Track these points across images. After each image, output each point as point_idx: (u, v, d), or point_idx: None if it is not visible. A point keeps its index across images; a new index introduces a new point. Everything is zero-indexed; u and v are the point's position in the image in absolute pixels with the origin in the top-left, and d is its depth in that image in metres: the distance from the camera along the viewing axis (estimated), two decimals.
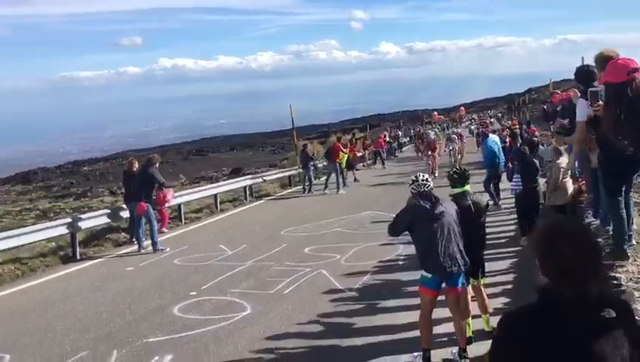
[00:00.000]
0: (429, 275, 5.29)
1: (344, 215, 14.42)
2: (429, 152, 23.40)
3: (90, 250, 12.18)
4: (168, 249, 11.53)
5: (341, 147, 21.00)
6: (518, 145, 15.76)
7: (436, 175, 20.15)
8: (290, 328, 6.69)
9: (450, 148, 24.81)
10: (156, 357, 6.04)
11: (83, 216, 12.51)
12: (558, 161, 9.32)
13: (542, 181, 10.19)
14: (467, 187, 5.95)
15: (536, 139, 20.57)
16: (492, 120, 54.20)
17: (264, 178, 21.61)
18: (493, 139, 15.44)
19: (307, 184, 20.32)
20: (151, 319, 7.38)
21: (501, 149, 15.34)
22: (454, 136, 26.85)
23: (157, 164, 12.50)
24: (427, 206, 5.30)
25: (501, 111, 74.53)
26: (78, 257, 11.52)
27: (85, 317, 7.65)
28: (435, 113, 60.53)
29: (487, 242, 6.38)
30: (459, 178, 5.93)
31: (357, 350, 5.88)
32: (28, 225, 13.08)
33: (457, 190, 5.91)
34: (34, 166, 58.39)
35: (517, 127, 26.49)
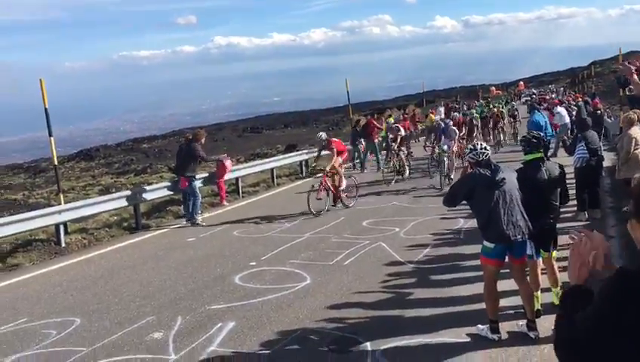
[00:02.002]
0: (492, 245, 5.10)
1: (400, 188, 14.24)
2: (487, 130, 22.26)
3: (152, 221, 12.49)
4: (205, 224, 11.66)
5: (375, 123, 19.99)
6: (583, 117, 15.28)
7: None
8: (351, 298, 6.65)
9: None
10: (219, 324, 6.12)
11: (146, 188, 12.86)
12: (629, 132, 8.83)
13: (608, 155, 9.74)
14: (541, 154, 5.70)
15: (599, 111, 19.80)
16: (553, 95, 52.25)
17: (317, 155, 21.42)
18: (541, 113, 15.81)
19: (357, 161, 19.42)
20: (213, 287, 7.49)
21: (548, 123, 15.31)
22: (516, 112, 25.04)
23: (202, 140, 12.57)
24: (487, 173, 5.11)
25: (563, 85, 71.81)
26: (141, 228, 11.83)
27: (150, 285, 7.85)
28: (493, 88, 58.92)
29: None
30: (536, 143, 5.67)
31: (419, 321, 5.78)
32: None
33: (531, 156, 5.66)
34: (96, 144, 60.42)
35: (580, 100, 25.56)
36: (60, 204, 11.73)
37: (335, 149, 12.58)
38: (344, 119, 42.84)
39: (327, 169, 12.39)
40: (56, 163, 12.30)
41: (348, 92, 24.06)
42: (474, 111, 24.22)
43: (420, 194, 13.34)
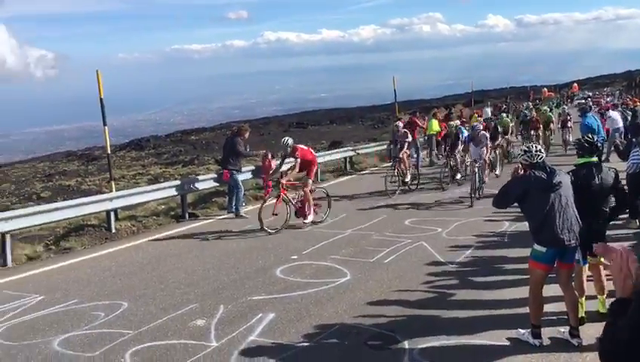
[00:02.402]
0: (543, 249, 5.03)
1: (445, 189, 14.11)
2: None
3: (198, 211, 12.77)
4: (248, 216, 11.78)
5: (418, 121, 19.15)
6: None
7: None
8: (390, 296, 6.67)
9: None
10: (260, 315, 6.24)
11: (193, 179, 13.18)
12: None
13: None
14: (595, 158, 5.59)
15: None
16: (608, 98, 50.49)
17: (357, 151, 21.27)
18: (593, 116, 15.18)
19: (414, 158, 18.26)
20: (255, 278, 7.63)
21: (600, 127, 14.91)
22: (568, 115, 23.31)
23: (246, 135, 12.68)
24: (543, 176, 5.03)
25: (619, 88, 69.40)
26: (187, 218, 12.12)
27: (194, 273, 8.06)
28: (545, 89, 57.42)
29: None
30: (589, 147, 5.57)
31: (459, 322, 5.76)
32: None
33: (583, 160, 5.57)
34: (146, 134, 61.95)
35: (638, 104, 24.64)
36: (111, 191, 12.13)
37: (299, 159, 10.84)
38: (390, 117, 42.59)
39: (284, 181, 10.81)
40: (109, 152, 12.70)
41: (395, 90, 23.91)
42: (503, 115, 22.72)
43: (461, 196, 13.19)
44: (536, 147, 5.29)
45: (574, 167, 5.68)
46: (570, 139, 19.96)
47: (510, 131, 20.47)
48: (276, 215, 10.37)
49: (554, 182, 4.98)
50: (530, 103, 33.90)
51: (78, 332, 6.08)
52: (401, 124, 15.53)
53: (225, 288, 7.29)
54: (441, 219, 10.74)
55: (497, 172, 15.95)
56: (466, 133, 15.45)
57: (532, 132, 20.74)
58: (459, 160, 15.18)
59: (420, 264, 7.91)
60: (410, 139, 14.98)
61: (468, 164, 14.21)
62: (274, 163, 13.94)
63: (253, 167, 14.64)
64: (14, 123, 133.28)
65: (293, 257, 8.59)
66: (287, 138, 11.33)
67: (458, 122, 16.30)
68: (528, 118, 22.55)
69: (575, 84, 70.98)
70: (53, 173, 37.10)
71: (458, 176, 15.06)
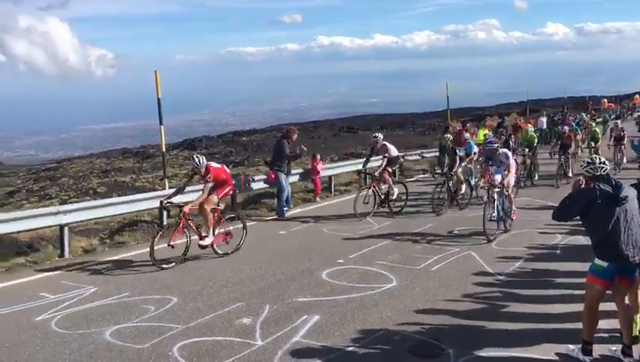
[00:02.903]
0: (604, 264, 4.86)
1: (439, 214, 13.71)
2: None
3: (247, 212, 12.95)
4: (293, 218, 11.81)
5: (465, 133, 17.24)
6: None
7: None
8: (436, 304, 6.60)
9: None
10: (304, 316, 6.29)
11: (245, 179, 13.38)
12: None
13: None
14: None
15: None
16: None
17: (404, 157, 20.96)
18: None
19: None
20: (300, 280, 7.69)
21: None
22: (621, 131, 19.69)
23: (294, 137, 12.77)
24: (609, 189, 4.87)
25: None
26: (237, 218, 12.28)
27: (241, 272, 8.19)
28: (605, 100, 55.52)
29: None
30: None
31: (506, 334, 5.65)
32: None
33: None
34: (199, 134, 63.25)
35: None
36: (164, 188, 12.46)
37: (211, 179, 9.10)
38: (441, 124, 42.07)
39: (186, 209, 8.86)
40: (164, 150, 13.03)
41: (448, 96, 23.66)
42: (592, 124, 20.80)
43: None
44: (599, 159, 5.12)
45: (637, 181, 5.51)
46: (624, 160, 18.22)
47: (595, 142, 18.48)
48: (172, 247, 8.76)
49: (620, 195, 4.82)
50: (585, 115, 31.83)
51: (129, 324, 6.28)
52: (449, 136, 13.93)
53: (271, 288, 7.37)
54: None
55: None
56: (475, 149, 14.08)
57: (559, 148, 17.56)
58: (461, 178, 13.21)
59: (467, 273, 7.80)
60: (393, 153, 12.78)
61: (480, 186, 12.38)
62: (320, 165, 14.03)
63: (302, 170, 14.77)
64: (75, 119, 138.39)
65: (339, 261, 8.61)
66: (197, 156, 9.50)
67: (450, 136, 13.75)
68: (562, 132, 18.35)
69: (637, 96, 68.46)
70: (109, 169, 38.41)
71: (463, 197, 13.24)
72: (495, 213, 9.94)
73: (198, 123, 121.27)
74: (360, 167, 14.89)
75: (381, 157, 12.69)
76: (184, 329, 6.04)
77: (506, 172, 10.40)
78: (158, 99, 12.08)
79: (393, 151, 12.84)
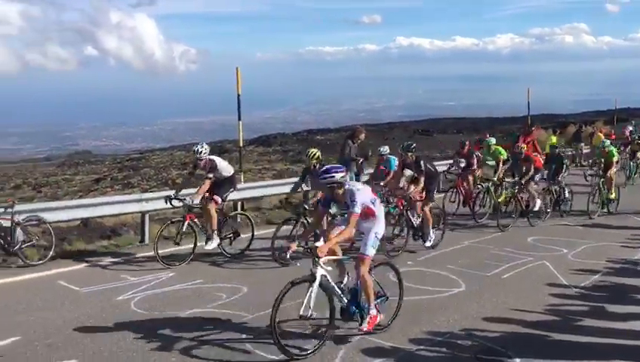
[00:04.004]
0: None
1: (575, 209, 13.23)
2: None
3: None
4: None
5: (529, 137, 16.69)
6: None
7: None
8: (505, 312, 6.49)
9: None
10: None
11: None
12: None
13: None
14: None
15: None
16: None
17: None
18: None
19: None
20: None
21: None
22: None
23: (361, 136, 12.28)
24: None
25: None
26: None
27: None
28: None
29: None
30: None
31: (579, 348, 5.48)
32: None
33: None
34: (274, 131, 64.44)
35: None
36: (239, 183, 12.82)
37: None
38: (520, 130, 40.83)
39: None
40: (241, 145, 13.44)
41: (529, 102, 23.00)
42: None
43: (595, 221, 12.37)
44: None
45: None
46: None
47: None
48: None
49: None
50: None
51: (202, 309, 6.57)
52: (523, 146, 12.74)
53: None
54: (569, 239, 10.19)
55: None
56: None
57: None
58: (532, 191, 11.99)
59: (539, 284, 7.60)
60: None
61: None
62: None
63: (371, 170, 14.73)
64: (158, 112, 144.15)
65: (408, 262, 8.61)
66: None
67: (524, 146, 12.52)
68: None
69: None
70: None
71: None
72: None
73: (274, 120, 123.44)
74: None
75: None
76: (253, 318, 6.25)
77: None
78: (238, 96, 12.45)
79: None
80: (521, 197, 11.69)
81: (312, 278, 5.50)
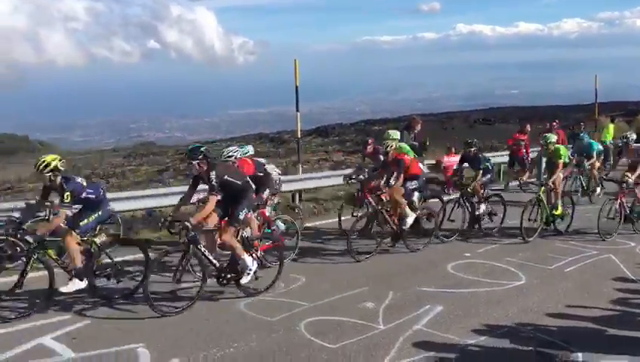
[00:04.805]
0: None
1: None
2: None
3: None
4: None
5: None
6: None
7: None
8: (567, 306, 6.34)
9: None
10: (427, 306, 6.33)
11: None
12: None
13: None
14: None
15: None
16: None
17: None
18: None
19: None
20: (425, 271, 7.75)
21: None
22: None
23: (417, 127, 11.90)
24: None
25: None
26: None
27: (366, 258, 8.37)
28: None
29: None
30: None
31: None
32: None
33: None
34: (332, 122, 64.34)
35: None
36: (297, 173, 12.99)
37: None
38: (588, 119, 39.29)
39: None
40: (299, 136, 13.57)
41: (596, 89, 22.09)
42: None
43: None
44: None
45: None
46: None
47: None
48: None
49: None
50: None
51: (262, 297, 6.73)
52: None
53: (395, 276, 7.49)
54: (636, 234, 9.77)
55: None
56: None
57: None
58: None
59: (604, 278, 7.36)
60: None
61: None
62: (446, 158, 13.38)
63: (433, 161, 14.57)
64: (218, 104, 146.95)
65: (466, 254, 8.53)
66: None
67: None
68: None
69: None
70: None
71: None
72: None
73: (331, 110, 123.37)
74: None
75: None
76: (311, 306, 6.36)
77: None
78: (296, 87, 12.56)
79: None
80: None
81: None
